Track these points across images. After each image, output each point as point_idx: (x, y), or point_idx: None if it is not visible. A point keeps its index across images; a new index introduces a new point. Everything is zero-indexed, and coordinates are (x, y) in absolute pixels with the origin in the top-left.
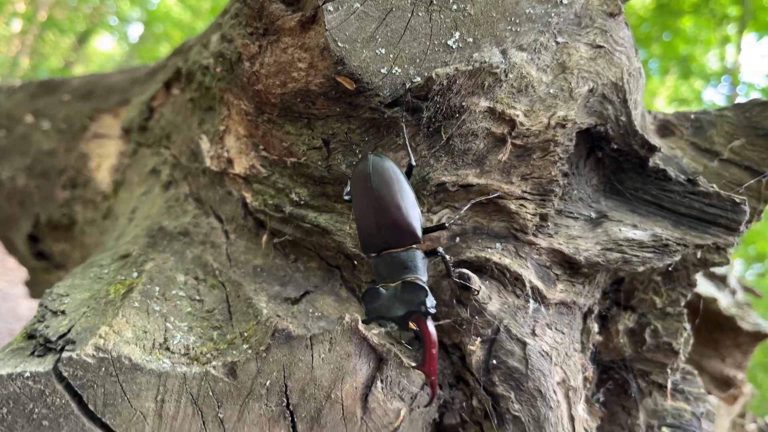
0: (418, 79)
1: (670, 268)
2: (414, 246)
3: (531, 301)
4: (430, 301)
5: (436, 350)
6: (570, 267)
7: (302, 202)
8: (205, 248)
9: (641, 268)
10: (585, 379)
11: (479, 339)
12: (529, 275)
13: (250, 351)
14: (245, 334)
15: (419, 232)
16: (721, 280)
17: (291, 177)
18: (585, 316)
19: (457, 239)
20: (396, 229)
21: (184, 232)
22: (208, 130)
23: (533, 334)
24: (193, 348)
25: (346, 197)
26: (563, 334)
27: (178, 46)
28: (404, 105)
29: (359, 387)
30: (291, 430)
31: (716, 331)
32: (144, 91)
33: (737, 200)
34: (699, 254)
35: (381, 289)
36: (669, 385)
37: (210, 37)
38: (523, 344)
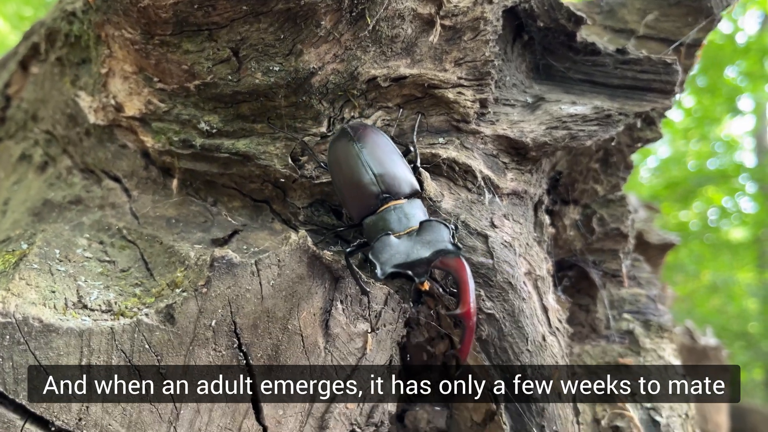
0: None
1: (607, 156)
2: (415, 197)
3: (485, 192)
4: (457, 238)
5: (473, 289)
6: (517, 153)
7: (214, 131)
8: (105, 212)
9: (589, 142)
10: (547, 271)
11: None
12: (479, 165)
13: (185, 293)
14: (175, 282)
15: (418, 185)
16: None
17: (197, 104)
18: (536, 208)
19: None
20: (396, 178)
21: (75, 200)
22: (86, 83)
23: (492, 225)
24: (116, 303)
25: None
26: (520, 224)
27: (27, 31)
28: None
29: (318, 312)
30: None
31: None
32: None
33: (668, 61)
34: (632, 134)
35: (392, 236)
36: (624, 269)
37: None
38: (485, 237)
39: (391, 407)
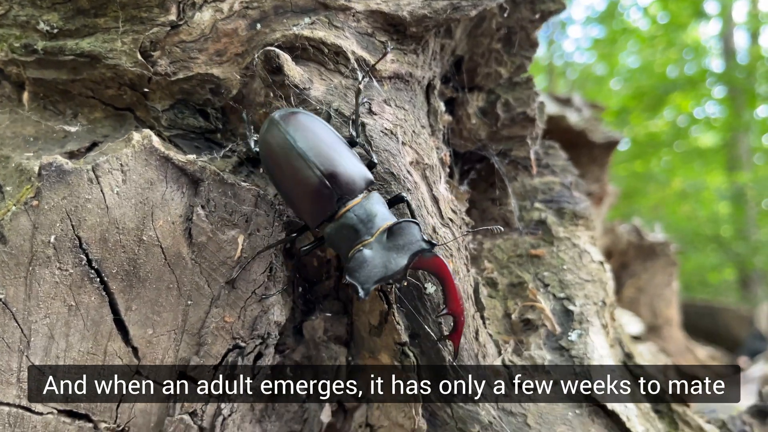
0: None
1: (510, 35)
2: (370, 189)
3: (360, 75)
4: (427, 234)
5: (456, 284)
6: (396, 31)
7: (56, 31)
8: None
9: (473, 13)
10: (441, 161)
11: None
12: (351, 46)
13: (15, 208)
14: (20, 201)
15: (369, 173)
16: (565, 102)
17: (34, 3)
18: (428, 95)
19: (258, 26)
20: (347, 174)
21: None
22: None
23: (370, 112)
24: None
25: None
26: (405, 110)
27: None
28: None
29: (177, 221)
30: (104, 293)
31: (571, 149)
32: None
33: None
34: (534, 6)
35: (364, 250)
36: (532, 156)
37: None
38: (362, 125)
39: (279, 317)
